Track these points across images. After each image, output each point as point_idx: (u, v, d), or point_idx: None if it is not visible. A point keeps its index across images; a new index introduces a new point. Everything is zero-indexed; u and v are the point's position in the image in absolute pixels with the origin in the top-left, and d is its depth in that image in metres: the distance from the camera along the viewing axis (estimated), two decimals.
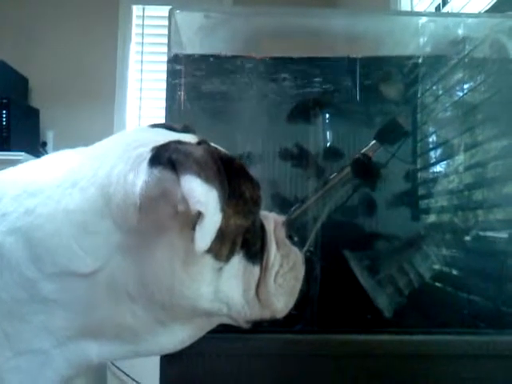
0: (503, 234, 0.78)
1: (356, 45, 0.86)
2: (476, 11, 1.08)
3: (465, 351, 0.62)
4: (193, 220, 0.41)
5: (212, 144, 0.50)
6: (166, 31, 0.75)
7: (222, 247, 0.46)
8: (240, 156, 0.79)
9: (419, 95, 0.91)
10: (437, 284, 0.78)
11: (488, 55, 0.80)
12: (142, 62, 2.68)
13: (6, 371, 0.44)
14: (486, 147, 0.83)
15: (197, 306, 0.47)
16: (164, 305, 0.46)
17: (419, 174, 0.96)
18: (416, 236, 0.81)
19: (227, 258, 0.47)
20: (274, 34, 0.85)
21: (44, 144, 2.50)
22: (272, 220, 0.55)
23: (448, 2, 1.35)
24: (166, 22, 0.75)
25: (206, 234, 0.40)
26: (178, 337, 0.50)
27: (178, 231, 0.44)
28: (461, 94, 0.87)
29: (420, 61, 0.85)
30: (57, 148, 0.51)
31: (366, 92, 0.82)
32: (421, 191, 0.95)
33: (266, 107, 0.85)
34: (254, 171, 0.51)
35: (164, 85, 0.75)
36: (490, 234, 0.79)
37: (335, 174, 0.80)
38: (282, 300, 0.53)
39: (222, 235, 0.45)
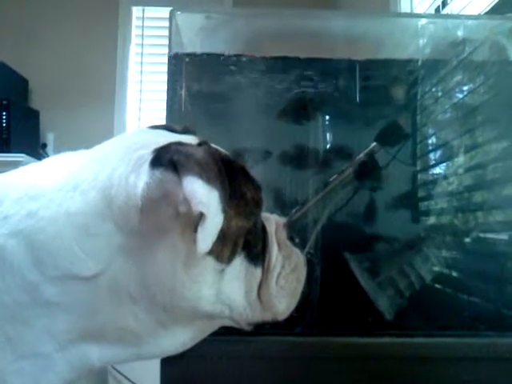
0: (503, 236, 0.78)
1: (356, 46, 0.87)
2: (476, 13, 1.09)
3: (465, 354, 0.62)
4: (194, 221, 0.41)
5: (213, 145, 0.50)
6: (165, 32, 0.76)
7: (224, 249, 0.46)
8: (239, 155, 0.79)
9: (419, 97, 0.91)
10: (437, 286, 0.78)
11: (488, 57, 0.80)
12: (141, 63, 2.69)
13: (9, 374, 0.43)
14: (486, 149, 0.83)
15: (198, 307, 0.47)
16: (166, 307, 0.46)
17: (419, 176, 0.96)
18: (416, 238, 0.81)
19: (229, 260, 0.47)
20: (275, 35, 0.85)
21: (44, 145, 2.49)
22: (273, 221, 0.55)
23: (448, 4, 1.35)
24: (166, 24, 0.75)
25: (207, 235, 0.40)
26: (180, 339, 0.50)
27: (180, 233, 0.44)
28: (461, 95, 0.87)
29: (419, 63, 0.85)
30: (57, 149, 0.51)
31: (366, 93, 0.82)
32: (421, 193, 0.95)
33: (266, 107, 0.85)
34: (255, 172, 0.51)
35: (164, 86, 0.75)
36: (490, 235, 0.79)
37: (336, 175, 0.80)
38: (283, 302, 0.53)
39: (223, 237, 0.45)
